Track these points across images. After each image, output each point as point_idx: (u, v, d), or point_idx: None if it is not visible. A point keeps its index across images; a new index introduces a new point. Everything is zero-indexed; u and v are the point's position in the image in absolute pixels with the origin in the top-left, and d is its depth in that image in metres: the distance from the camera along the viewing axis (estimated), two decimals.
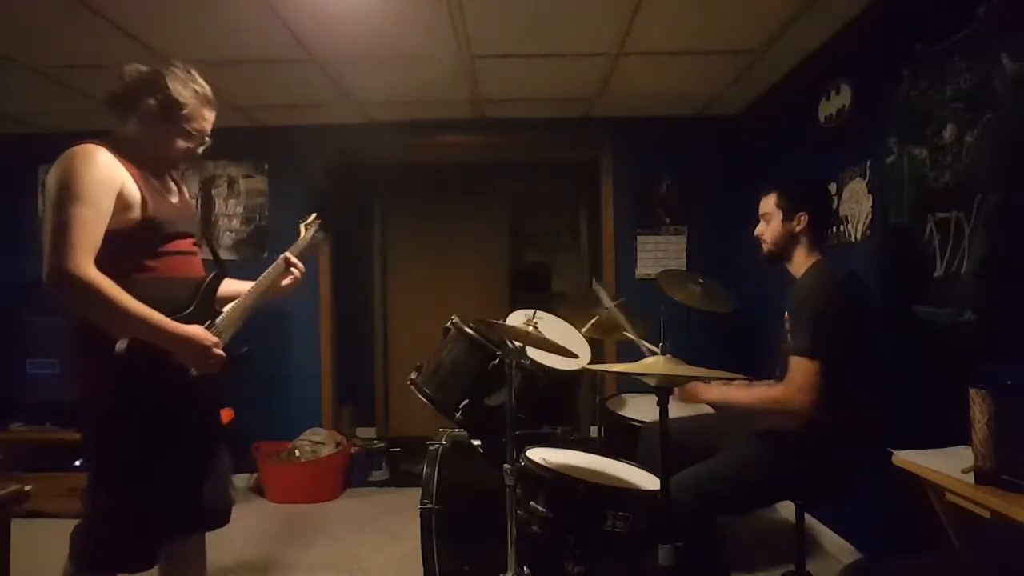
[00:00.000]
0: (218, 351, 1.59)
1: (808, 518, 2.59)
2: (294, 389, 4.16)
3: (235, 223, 4.20)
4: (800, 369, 1.89)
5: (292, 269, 1.86)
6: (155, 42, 2.84)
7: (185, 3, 2.52)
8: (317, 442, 3.91)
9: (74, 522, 1.64)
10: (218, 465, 1.81)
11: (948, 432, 1.90)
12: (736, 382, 2.13)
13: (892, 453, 1.91)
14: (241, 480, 4.07)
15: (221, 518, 1.82)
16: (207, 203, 4.21)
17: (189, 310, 1.62)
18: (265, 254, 4.12)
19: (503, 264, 5.34)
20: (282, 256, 1.86)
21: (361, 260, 5.21)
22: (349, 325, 4.66)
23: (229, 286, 1.80)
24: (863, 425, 1.97)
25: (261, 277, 1.81)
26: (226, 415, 3.86)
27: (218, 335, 1.63)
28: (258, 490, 3.94)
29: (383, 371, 5.29)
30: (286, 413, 4.11)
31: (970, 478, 1.61)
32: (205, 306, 1.67)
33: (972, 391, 1.60)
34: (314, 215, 2.11)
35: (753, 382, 2.21)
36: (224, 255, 4.12)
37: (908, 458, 1.85)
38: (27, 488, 1.81)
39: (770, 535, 3.08)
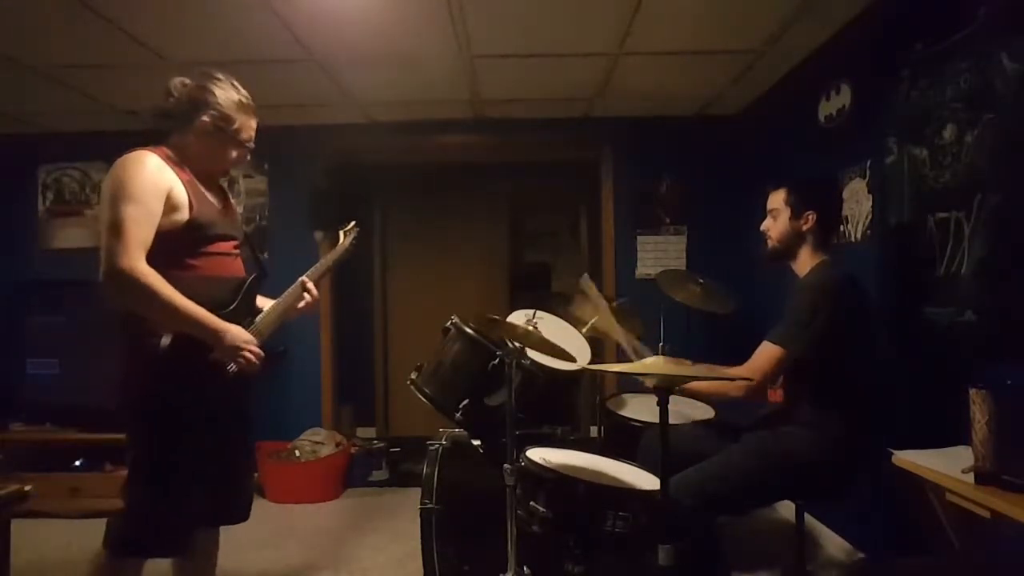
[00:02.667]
0: (256, 349, 1.70)
1: (808, 518, 2.59)
2: (294, 389, 4.15)
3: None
4: (762, 351, 1.94)
5: (306, 294, 1.92)
6: (155, 42, 2.84)
7: (185, 3, 2.52)
8: (317, 442, 3.91)
9: (75, 522, 1.66)
10: (245, 462, 1.94)
11: (948, 432, 1.90)
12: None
13: (892, 453, 1.91)
14: None
15: (242, 513, 1.92)
16: None
17: (230, 308, 1.73)
18: (265, 254, 4.12)
19: (503, 264, 5.34)
20: (299, 280, 1.93)
21: (361, 260, 5.21)
22: (349, 325, 4.67)
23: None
24: (863, 425, 1.97)
25: (283, 295, 1.91)
26: None
27: (257, 334, 1.75)
28: (258, 490, 3.93)
29: (383, 371, 5.29)
30: (286, 413, 4.11)
31: (970, 478, 1.61)
32: (245, 305, 1.79)
33: (972, 391, 1.61)
34: (353, 223, 2.18)
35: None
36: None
37: (908, 458, 1.85)
38: (27, 488, 1.81)
39: (770, 535, 3.08)
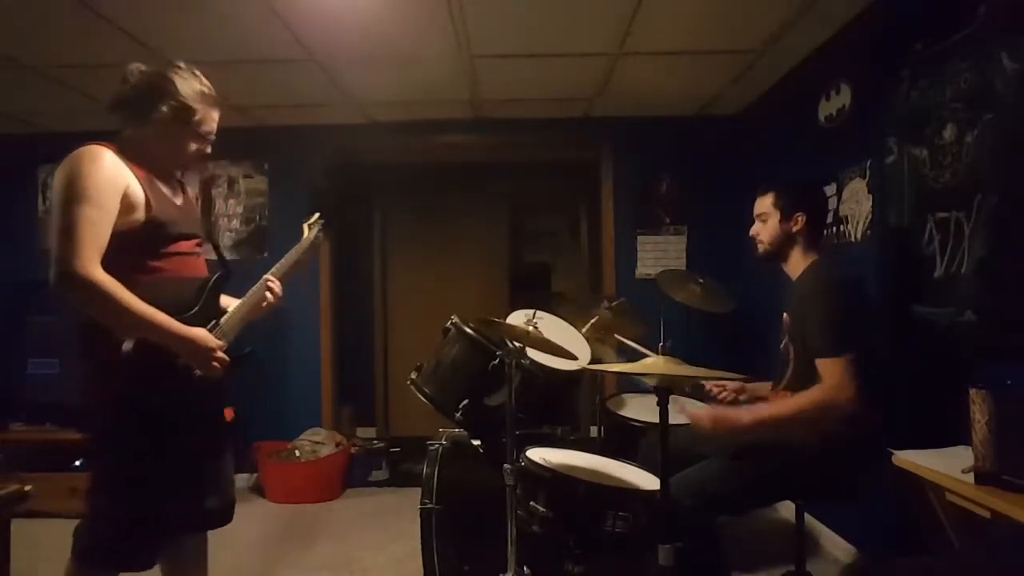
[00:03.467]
0: (222, 355, 1.60)
1: (808, 518, 2.60)
2: (294, 389, 4.16)
3: (235, 223, 4.20)
4: (830, 369, 1.87)
5: (267, 294, 1.81)
6: (155, 42, 2.84)
7: (185, 3, 2.51)
8: (317, 442, 3.91)
9: (74, 522, 1.65)
10: (221, 465, 1.81)
11: (948, 432, 1.90)
12: (758, 404, 2.11)
13: (892, 453, 1.91)
14: (241, 480, 4.06)
15: (223, 517, 1.82)
16: (207, 203, 4.22)
17: (193, 311, 1.63)
18: (265, 254, 4.12)
19: (503, 264, 5.34)
20: (263, 277, 1.83)
21: (361, 260, 5.21)
22: (349, 325, 4.66)
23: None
24: (864, 425, 1.97)
25: (248, 294, 1.80)
26: (227, 414, 3.86)
27: (222, 336, 1.65)
28: (258, 490, 3.94)
29: (383, 371, 5.29)
30: (286, 413, 4.11)
31: (970, 478, 1.61)
32: (209, 307, 1.68)
33: (972, 391, 1.61)
34: (317, 215, 2.11)
35: (751, 383, 2.22)
36: (224, 255, 4.12)
37: (908, 458, 1.85)
38: (27, 488, 1.81)
39: (770, 535, 3.08)
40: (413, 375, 2.22)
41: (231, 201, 4.21)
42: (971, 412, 1.60)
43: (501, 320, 2.02)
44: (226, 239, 4.19)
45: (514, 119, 4.12)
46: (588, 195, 5.03)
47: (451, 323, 2.22)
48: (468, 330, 2.15)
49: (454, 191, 5.24)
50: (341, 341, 4.39)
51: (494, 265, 5.32)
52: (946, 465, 1.73)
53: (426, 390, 2.16)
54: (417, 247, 5.28)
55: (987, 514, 1.55)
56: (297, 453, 3.86)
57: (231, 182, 4.21)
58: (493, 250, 5.31)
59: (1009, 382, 1.58)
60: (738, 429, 1.92)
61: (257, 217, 4.21)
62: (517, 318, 2.11)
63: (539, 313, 2.01)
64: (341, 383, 4.38)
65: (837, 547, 2.88)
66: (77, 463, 3.52)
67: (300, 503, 3.72)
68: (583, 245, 5.44)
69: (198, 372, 1.59)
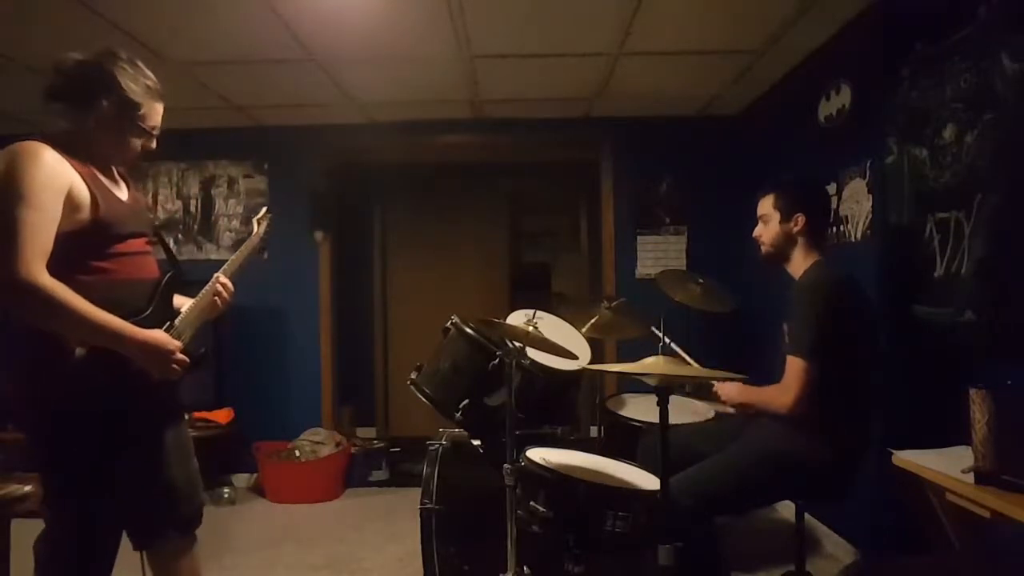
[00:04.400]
0: (181, 356, 1.54)
1: (808, 518, 2.59)
2: (294, 389, 4.16)
3: (235, 223, 4.20)
4: (788, 368, 1.92)
5: (221, 289, 1.74)
6: (155, 42, 2.84)
7: (185, 3, 2.51)
8: (317, 442, 3.91)
9: None
10: (185, 467, 1.70)
11: (948, 432, 1.90)
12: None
13: (892, 453, 1.91)
14: (241, 480, 4.07)
15: (189, 523, 1.73)
16: (207, 203, 4.22)
17: (146, 313, 1.55)
18: (265, 255, 4.12)
19: (503, 264, 5.34)
20: (215, 276, 1.75)
21: (361, 260, 5.21)
22: (349, 325, 4.67)
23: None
24: (863, 425, 1.97)
25: (200, 293, 1.73)
26: (226, 415, 3.87)
27: (178, 336, 1.58)
28: (258, 490, 3.94)
29: (383, 371, 5.29)
30: (286, 413, 4.11)
31: (970, 478, 1.61)
32: (162, 307, 1.61)
33: (972, 391, 1.61)
34: (265, 209, 2.08)
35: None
36: (224, 255, 4.11)
37: (908, 458, 1.85)
38: (27, 488, 1.81)
39: (770, 535, 3.08)
40: (413, 375, 2.22)
41: (231, 201, 4.21)
42: (971, 412, 1.61)
43: (501, 320, 2.02)
44: (226, 239, 4.19)
45: (514, 119, 4.12)
46: (588, 195, 5.04)
47: (451, 323, 2.22)
48: (468, 330, 2.15)
49: (454, 191, 5.24)
50: (341, 341, 4.40)
51: (494, 265, 5.32)
52: (946, 465, 1.73)
53: (426, 390, 2.15)
54: (417, 247, 5.28)
55: (987, 514, 1.55)
56: (297, 453, 3.86)
57: (231, 182, 4.21)
58: (493, 250, 5.31)
59: (1009, 382, 1.58)
60: (734, 403, 2.14)
61: None
62: (517, 318, 2.11)
63: (539, 313, 2.01)
64: (341, 383, 4.39)
65: (837, 547, 2.88)
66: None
67: (300, 503, 3.72)
68: (583, 245, 5.44)
69: (154, 376, 1.52)
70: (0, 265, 1.34)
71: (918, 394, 2.29)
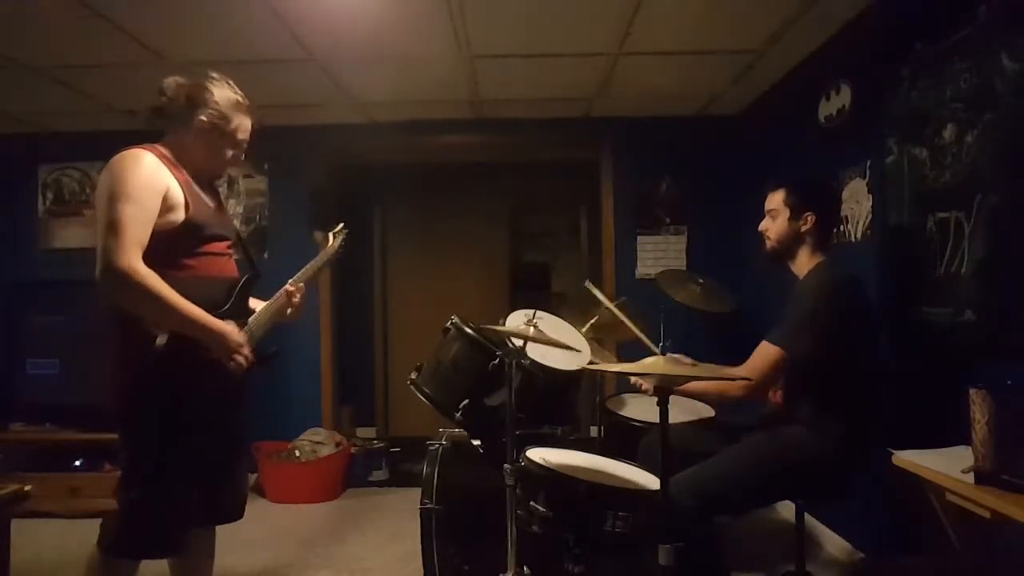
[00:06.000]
0: (247, 351, 1.69)
1: (808, 518, 2.59)
2: (294, 389, 4.16)
3: (235, 223, 4.19)
4: (760, 351, 1.94)
5: (294, 296, 1.91)
6: (155, 42, 2.84)
7: (185, 3, 2.52)
8: (317, 442, 3.91)
9: (75, 522, 1.65)
10: (240, 461, 1.93)
11: (948, 432, 1.90)
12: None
13: (892, 453, 1.91)
14: None
15: (236, 512, 1.92)
16: None
17: (225, 308, 1.72)
18: (265, 255, 4.12)
19: (503, 264, 5.34)
20: (288, 283, 1.91)
21: (361, 260, 5.21)
22: (349, 325, 4.67)
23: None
24: (863, 425, 1.97)
25: (274, 297, 1.90)
26: None
27: (249, 334, 1.74)
28: (258, 490, 3.94)
29: (383, 371, 5.29)
30: (286, 413, 4.11)
31: (970, 478, 1.61)
32: (239, 305, 1.77)
33: (972, 391, 1.60)
34: (341, 224, 2.19)
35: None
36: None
37: (908, 458, 1.85)
38: (27, 488, 1.81)
39: (770, 535, 3.08)
40: (413, 375, 2.22)
41: (231, 201, 4.21)
42: (971, 412, 1.60)
43: (500, 325, 2.02)
44: None
45: (514, 119, 4.12)
46: (588, 195, 5.03)
47: (451, 323, 2.22)
48: (468, 330, 2.15)
49: (454, 191, 5.24)
50: (341, 341, 4.40)
51: (494, 265, 5.32)
52: (946, 465, 1.73)
53: (426, 390, 2.15)
54: (417, 247, 5.29)
55: (987, 514, 1.55)
56: (297, 453, 3.86)
57: (231, 182, 4.21)
58: (493, 250, 5.31)
59: (1009, 382, 1.58)
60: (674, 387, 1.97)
61: (257, 217, 4.21)
62: (517, 318, 2.11)
63: (539, 313, 2.01)
64: (341, 383, 4.39)
65: (837, 547, 2.88)
66: (77, 463, 3.52)
67: (300, 503, 3.72)
68: (583, 245, 5.44)
69: (231, 365, 1.67)
70: (105, 253, 1.53)
71: (918, 394, 2.29)
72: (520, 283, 5.42)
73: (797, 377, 2.05)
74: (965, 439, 1.68)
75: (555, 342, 1.87)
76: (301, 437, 3.96)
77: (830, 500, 2.16)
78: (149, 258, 1.57)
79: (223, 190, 4.20)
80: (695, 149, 4.10)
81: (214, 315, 1.66)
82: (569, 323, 2.47)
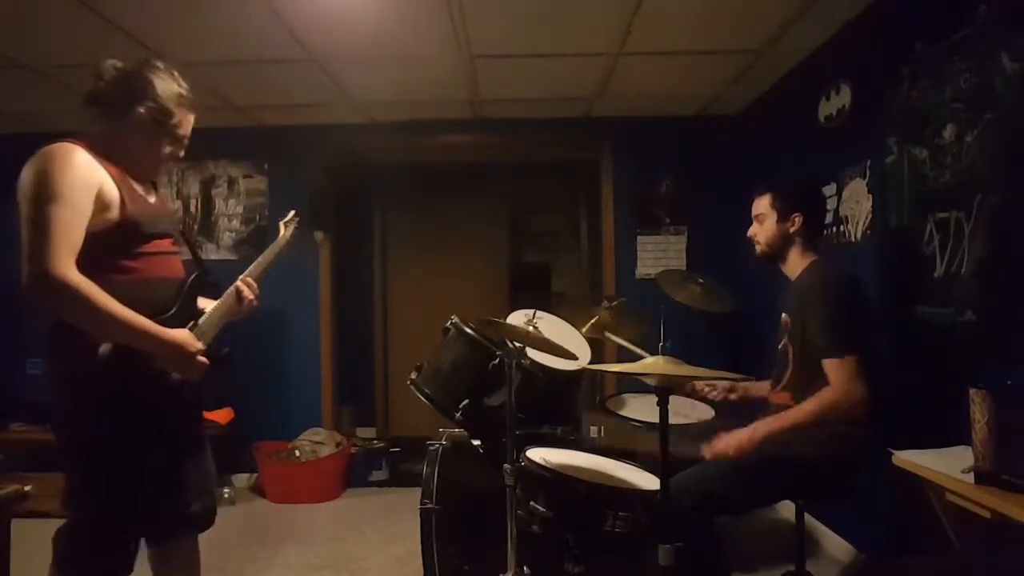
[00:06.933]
0: (202, 358, 1.56)
1: (808, 518, 2.59)
2: (294, 389, 4.16)
3: (235, 223, 4.20)
4: (837, 370, 1.87)
5: (244, 295, 1.77)
6: (155, 42, 2.84)
7: (185, 3, 2.52)
8: (317, 442, 3.91)
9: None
10: (201, 467, 1.76)
11: (948, 432, 1.90)
12: (769, 418, 2.02)
13: (892, 453, 1.91)
14: (241, 480, 4.07)
15: (205, 520, 1.78)
16: (207, 203, 4.22)
17: (171, 312, 1.59)
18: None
19: (503, 264, 5.34)
20: (240, 278, 1.78)
21: (361, 260, 5.21)
22: (349, 325, 4.67)
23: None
24: (863, 425, 1.97)
25: (224, 295, 1.76)
26: (226, 415, 3.87)
27: (201, 336, 1.60)
28: (258, 490, 3.94)
29: (383, 371, 5.29)
30: (286, 413, 4.11)
31: (970, 478, 1.61)
32: (187, 307, 1.64)
33: (972, 391, 1.61)
34: (292, 212, 2.11)
35: (752, 382, 2.22)
36: (224, 255, 4.12)
37: (908, 458, 1.85)
38: (27, 488, 1.81)
39: (770, 535, 3.08)
40: (413, 375, 2.22)
41: (231, 201, 4.21)
42: (971, 412, 1.61)
43: (501, 320, 2.02)
44: (226, 239, 4.19)
45: (514, 119, 4.12)
46: (588, 195, 5.04)
47: (451, 323, 2.22)
48: (468, 330, 2.14)
49: (454, 191, 5.24)
50: (341, 341, 4.40)
51: (494, 265, 5.32)
52: (946, 465, 1.73)
53: (426, 390, 2.15)
54: (417, 247, 5.29)
55: (987, 514, 1.55)
56: (297, 453, 3.86)
57: (231, 182, 4.22)
58: (493, 250, 5.31)
59: (1009, 382, 1.58)
60: (755, 444, 1.90)
61: (257, 217, 4.21)
62: (517, 318, 2.11)
63: (539, 313, 2.01)
64: (341, 383, 4.39)
65: (837, 547, 2.88)
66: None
67: (300, 503, 3.72)
68: (583, 245, 5.44)
69: (175, 376, 1.54)
70: (32, 261, 1.38)
71: (918, 394, 2.28)
72: (520, 283, 5.42)
73: (797, 377, 2.05)
74: (965, 439, 1.68)
75: (554, 347, 1.87)
76: (301, 437, 3.96)
77: (830, 500, 2.15)
78: (83, 262, 1.42)
79: (223, 190, 4.21)
80: (695, 149, 4.10)
81: (160, 319, 1.52)
82: (569, 323, 2.47)
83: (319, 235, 4.16)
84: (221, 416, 3.83)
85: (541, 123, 4.13)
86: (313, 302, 4.19)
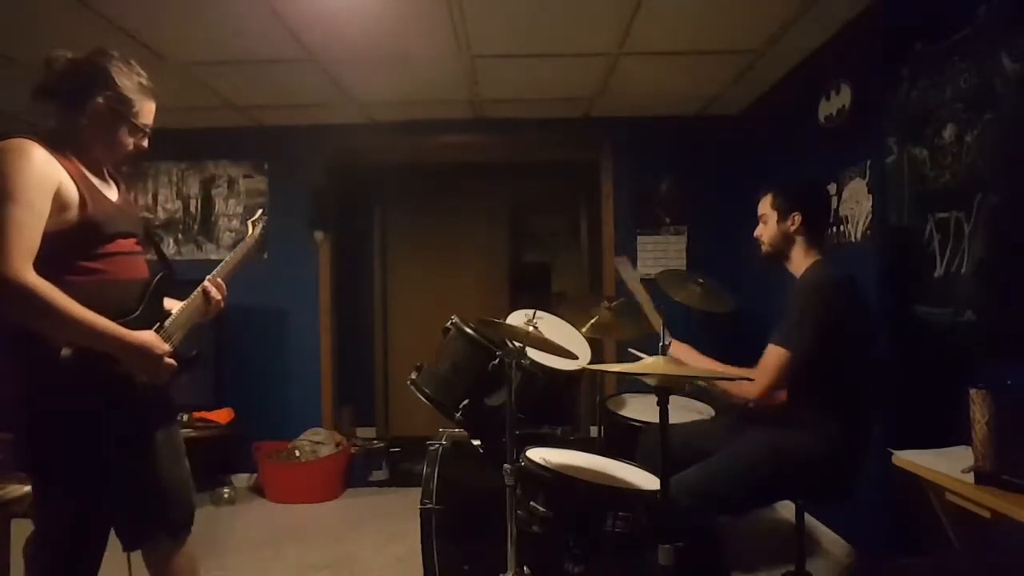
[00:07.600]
0: (170, 360, 1.52)
1: (808, 518, 2.59)
2: (294, 389, 4.16)
3: (235, 223, 4.20)
4: (768, 353, 1.95)
5: (211, 296, 1.71)
6: (155, 42, 2.84)
7: (185, 3, 2.51)
8: (317, 442, 3.91)
9: None
10: (175, 471, 1.67)
11: (948, 432, 1.90)
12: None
13: (892, 453, 1.91)
14: (241, 480, 4.07)
15: (181, 525, 1.69)
16: (207, 203, 4.22)
17: (136, 314, 1.53)
18: (265, 255, 4.12)
19: (503, 264, 5.34)
20: (207, 279, 1.72)
21: (361, 260, 5.21)
22: (349, 325, 4.67)
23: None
24: (863, 425, 1.97)
25: (191, 296, 1.70)
26: (226, 415, 3.87)
27: (168, 338, 1.56)
28: (258, 490, 3.94)
29: (383, 371, 5.29)
30: (286, 413, 4.11)
31: (970, 478, 1.61)
32: (152, 309, 1.59)
33: (972, 391, 1.61)
34: (260, 211, 2.09)
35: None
36: (224, 255, 4.11)
37: (908, 458, 1.85)
38: (27, 488, 1.81)
39: (770, 535, 3.08)
40: (413, 375, 2.22)
41: (231, 201, 4.21)
42: (971, 412, 1.61)
43: (501, 320, 2.02)
44: (226, 239, 4.19)
45: (514, 119, 4.12)
46: (588, 195, 5.04)
47: (451, 323, 2.22)
48: (468, 330, 2.15)
49: (454, 191, 5.24)
50: (341, 341, 4.40)
51: (494, 265, 5.32)
52: (946, 465, 1.73)
53: (426, 390, 2.15)
54: (417, 247, 5.28)
55: (987, 514, 1.55)
56: (297, 453, 3.86)
57: (231, 182, 4.21)
58: (493, 250, 5.31)
59: (1009, 382, 1.58)
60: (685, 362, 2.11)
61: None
62: (517, 318, 2.11)
63: (539, 313, 2.01)
64: (341, 383, 4.38)
65: (837, 547, 2.88)
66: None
67: (300, 503, 3.72)
68: (583, 245, 5.44)
69: (141, 378, 1.50)
70: None
71: (918, 394, 2.28)
72: (520, 283, 5.42)
73: (797, 377, 2.05)
74: (965, 439, 1.68)
75: (553, 347, 1.87)
76: (301, 437, 3.96)
77: (830, 500, 2.15)
78: (42, 264, 1.36)
79: (223, 189, 4.21)
80: (695, 149, 4.10)
81: (124, 322, 1.47)
82: (569, 323, 2.47)
83: (319, 235, 4.16)
84: (221, 416, 3.83)
85: (541, 123, 4.13)
86: (313, 302, 4.19)
